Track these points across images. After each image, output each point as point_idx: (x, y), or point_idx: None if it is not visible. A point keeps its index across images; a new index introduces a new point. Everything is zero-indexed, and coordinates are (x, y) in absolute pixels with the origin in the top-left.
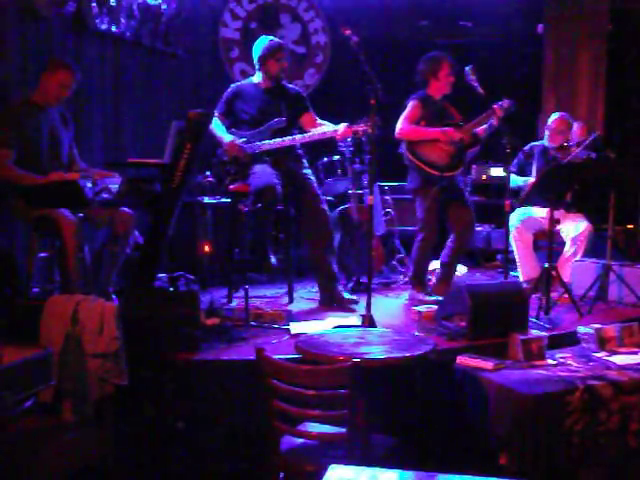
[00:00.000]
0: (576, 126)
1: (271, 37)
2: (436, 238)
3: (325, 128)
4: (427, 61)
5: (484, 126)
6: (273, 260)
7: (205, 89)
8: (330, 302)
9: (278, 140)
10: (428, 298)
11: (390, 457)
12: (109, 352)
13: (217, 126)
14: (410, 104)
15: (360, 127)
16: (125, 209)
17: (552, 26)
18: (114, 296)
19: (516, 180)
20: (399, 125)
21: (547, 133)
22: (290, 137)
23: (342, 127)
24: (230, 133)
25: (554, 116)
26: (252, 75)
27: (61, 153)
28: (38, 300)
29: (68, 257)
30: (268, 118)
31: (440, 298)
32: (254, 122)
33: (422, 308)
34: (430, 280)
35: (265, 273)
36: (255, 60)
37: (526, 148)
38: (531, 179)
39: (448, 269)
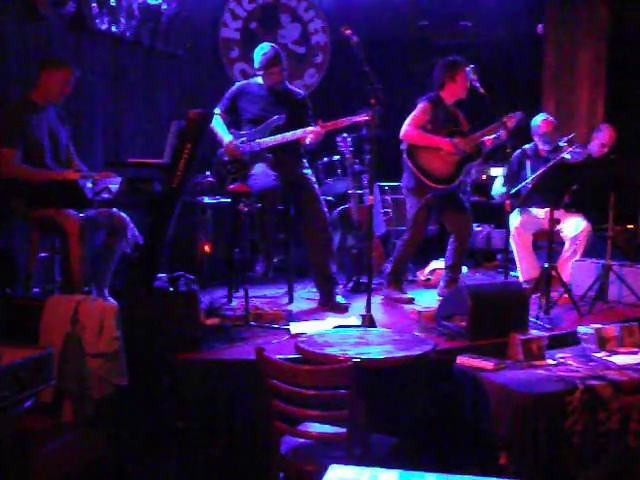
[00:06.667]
0: (603, 129)
1: (268, 46)
2: (422, 241)
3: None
4: (445, 65)
5: (492, 137)
6: (258, 268)
7: (205, 89)
8: (328, 304)
9: (278, 137)
10: (403, 296)
11: (390, 457)
12: (109, 352)
13: (218, 125)
14: (420, 106)
15: (361, 117)
16: (120, 213)
17: (552, 26)
18: (109, 297)
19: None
20: (404, 127)
21: (538, 137)
22: (281, 135)
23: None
24: (230, 133)
25: (539, 120)
26: (252, 75)
27: (59, 151)
28: (38, 300)
29: (72, 258)
30: (270, 117)
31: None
32: (257, 121)
33: (422, 308)
34: (430, 280)
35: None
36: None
37: (516, 155)
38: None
39: (454, 271)
